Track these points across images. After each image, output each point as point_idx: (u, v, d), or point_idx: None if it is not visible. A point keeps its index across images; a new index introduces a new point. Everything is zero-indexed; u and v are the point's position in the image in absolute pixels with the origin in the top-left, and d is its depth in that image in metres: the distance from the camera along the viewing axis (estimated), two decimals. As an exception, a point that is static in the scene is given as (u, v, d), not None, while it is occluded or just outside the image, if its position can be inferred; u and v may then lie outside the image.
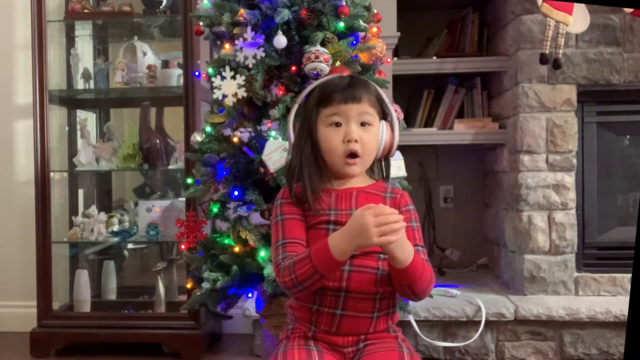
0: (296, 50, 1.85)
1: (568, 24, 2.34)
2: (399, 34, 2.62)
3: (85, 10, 2.74)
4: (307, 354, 1.23)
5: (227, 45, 1.88)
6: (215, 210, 1.93)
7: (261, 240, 1.83)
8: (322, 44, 1.81)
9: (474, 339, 2.34)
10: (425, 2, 3.00)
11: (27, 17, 2.64)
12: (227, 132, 1.89)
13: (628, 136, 2.65)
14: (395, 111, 1.56)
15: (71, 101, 2.89)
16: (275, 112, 1.82)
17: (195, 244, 1.97)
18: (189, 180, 2.01)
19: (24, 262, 2.88)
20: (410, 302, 2.07)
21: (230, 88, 1.84)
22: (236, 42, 1.82)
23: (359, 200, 1.30)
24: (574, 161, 2.52)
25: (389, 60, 2.28)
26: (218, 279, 1.82)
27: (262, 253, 1.79)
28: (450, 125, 2.87)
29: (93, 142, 2.78)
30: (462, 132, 2.79)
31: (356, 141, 1.29)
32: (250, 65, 1.82)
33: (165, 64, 2.76)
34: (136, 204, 2.84)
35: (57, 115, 2.77)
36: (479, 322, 2.33)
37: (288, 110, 1.73)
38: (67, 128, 2.87)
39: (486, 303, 2.39)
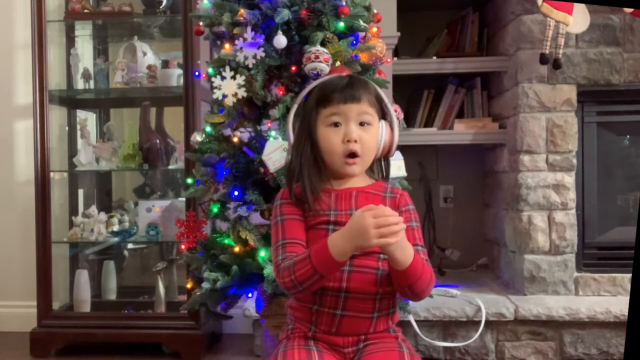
0: (296, 50, 1.85)
1: (568, 24, 2.34)
2: (399, 34, 2.61)
3: (85, 10, 2.74)
4: (307, 354, 1.23)
5: (227, 45, 1.88)
6: (215, 210, 1.93)
7: (261, 240, 1.83)
8: (322, 44, 1.81)
9: (474, 339, 2.34)
10: (425, 2, 3.00)
11: (27, 17, 2.64)
12: (227, 132, 1.89)
13: (628, 136, 2.65)
14: (395, 111, 1.56)
15: (71, 101, 2.89)
16: (275, 112, 1.82)
17: (195, 244, 1.97)
18: (189, 180, 2.01)
19: (24, 262, 2.88)
20: (410, 302, 2.07)
21: (230, 88, 1.84)
22: (236, 42, 1.82)
23: (358, 201, 1.30)
24: (574, 161, 2.52)
25: (389, 60, 2.27)
26: (218, 279, 1.82)
27: (262, 253, 1.79)
28: (450, 125, 2.87)
29: (93, 142, 2.79)
30: (462, 132, 2.79)
31: (356, 141, 1.28)
32: (250, 65, 1.82)
33: (165, 64, 2.76)
34: (136, 204, 2.84)
35: (57, 115, 2.77)
36: (479, 322, 2.33)
37: (288, 110, 1.72)
38: (67, 128, 2.87)
39: (486, 303, 2.39)
